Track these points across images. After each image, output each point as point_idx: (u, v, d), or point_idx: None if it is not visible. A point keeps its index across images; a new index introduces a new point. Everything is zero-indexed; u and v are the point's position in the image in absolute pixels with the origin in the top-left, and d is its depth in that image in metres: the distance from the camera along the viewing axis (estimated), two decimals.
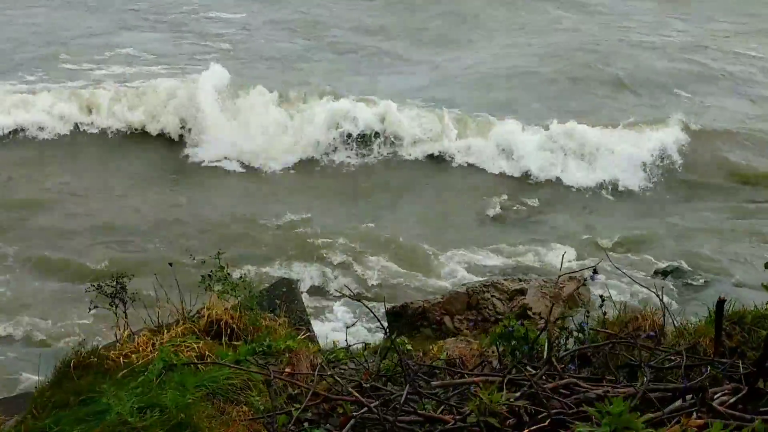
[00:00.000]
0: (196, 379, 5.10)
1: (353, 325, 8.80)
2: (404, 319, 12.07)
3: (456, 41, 25.64)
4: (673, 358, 4.59)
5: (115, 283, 6.90)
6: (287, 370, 5.35)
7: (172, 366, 5.17)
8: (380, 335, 10.61)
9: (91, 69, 22.35)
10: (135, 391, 4.92)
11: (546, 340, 5.04)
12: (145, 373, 5.19)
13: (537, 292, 12.20)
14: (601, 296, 5.66)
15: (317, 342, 7.25)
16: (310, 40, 25.47)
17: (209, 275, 6.67)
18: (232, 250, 13.28)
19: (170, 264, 7.05)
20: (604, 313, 6.11)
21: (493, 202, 16.92)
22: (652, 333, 5.02)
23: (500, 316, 12.29)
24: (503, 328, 5.34)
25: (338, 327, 11.39)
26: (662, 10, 29.84)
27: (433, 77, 22.82)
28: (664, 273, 14.22)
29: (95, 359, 6.15)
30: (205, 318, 6.67)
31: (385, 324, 7.82)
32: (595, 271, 5.65)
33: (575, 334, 5.28)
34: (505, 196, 17.14)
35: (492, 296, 11.92)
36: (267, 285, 8.28)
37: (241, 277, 6.97)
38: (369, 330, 12.04)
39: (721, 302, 4.49)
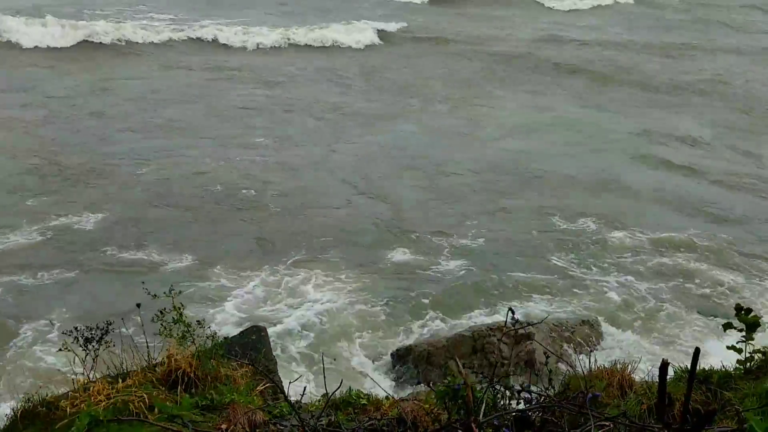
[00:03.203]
0: None
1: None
2: (409, 362, 11.80)
3: None
4: (605, 424, 4.25)
5: (95, 329, 6.80)
6: (222, 426, 5.14)
7: (98, 421, 5.00)
8: (372, 384, 10.36)
9: None
10: None
11: (483, 402, 4.75)
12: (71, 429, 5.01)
13: (546, 337, 11.81)
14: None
15: (283, 392, 7.03)
16: None
17: (161, 312, 6.52)
18: None
19: (138, 305, 6.86)
20: (572, 374, 5.79)
21: None
22: (597, 393, 4.69)
23: (506, 361, 11.95)
24: (446, 387, 5.08)
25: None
26: None
27: None
28: None
29: (44, 409, 6.04)
30: (164, 366, 6.52)
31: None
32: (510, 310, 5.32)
33: (521, 394, 4.98)
34: None
35: (498, 340, 11.55)
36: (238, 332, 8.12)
37: (199, 322, 6.78)
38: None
39: (663, 366, 4.16)
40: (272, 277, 13.91)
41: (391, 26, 36.82)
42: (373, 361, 11.96)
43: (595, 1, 50.35)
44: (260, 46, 32.73)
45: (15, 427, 5.95)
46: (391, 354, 11.95)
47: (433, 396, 5.58)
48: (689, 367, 4.91)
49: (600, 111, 26.29)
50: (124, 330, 7.20)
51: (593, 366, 6.26)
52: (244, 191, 17.47)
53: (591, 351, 11.56)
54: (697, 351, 3.93)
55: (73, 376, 6.68)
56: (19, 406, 6.10)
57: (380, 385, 8.12)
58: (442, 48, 34.48)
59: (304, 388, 5.44)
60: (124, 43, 31.06)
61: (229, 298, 13.08)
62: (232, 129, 21.97)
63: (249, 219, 16.17)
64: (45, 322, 12.02)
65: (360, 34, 35.04)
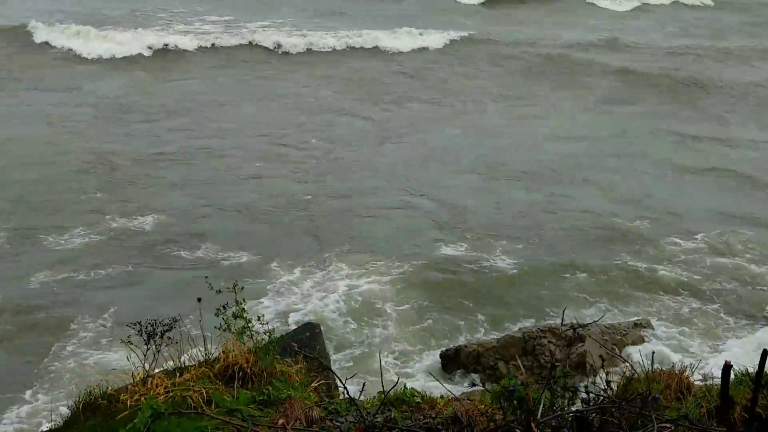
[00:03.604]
0: (183, 429, 5.00)
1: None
2: (458, 363, 11.77)
3: None
4: (666, 426, 4.20)
5: (155, 323, 6.92)
6: (280, 422, 5.19)
7: (160, 414, 5.09)
8: (425, 382, 10.37)
9: None
10: None
11: (541, 402, 4.72)
12: (134, 422, 5.12)
13: (598, 339, 11.67)
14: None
15: (337, 389, 7.08)
16: None
17: (223, 308, 6.62)
18: None
19: (199, 299, 6.98)
20: (630, 376, 5.75)
21: None
22: (656, 395, 4.63)
23: (557, 363, 11.84)
24: (502, 388, 5.06)
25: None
26: None
27: None
28: None
29: (105, 402, 6.17)
30: (221, 361, 6.61)
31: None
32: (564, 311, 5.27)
33: (581, 395, 4.94)
34: None
35: (549, 342, 11.46)
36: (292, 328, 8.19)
37: (259, 317, 6.86)
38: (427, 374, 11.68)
39: (727, 368, 4.10)
40: (325, 274, 14.01)
41: (441, 31, 36.64)
42: (421, 361, 11.96)
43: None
44: (311, 49, 32.86)
45: (77, 419, 6.09)
46: (440, 354, 11.92)
47: (488, 396, 5.57)
48: (752, 370, 4.83)
49: (653, 117, 25.95)
50: (182, 326, 7.28)
51: (649, 368, 6.19)
52: (297, 190, 17.64)
53: (644, 353, 11.40)
54: (764, 353, 3.86)
55: (132, 369, 6.82)
56: (80, 398, 6.24)
57: (443, 384, 8.09)
58: (494, 49, 34.31)
59: (363, 384, 5.46)
60: (175, 48, 31.46)
61: (283, 295, 13.20)
62: (283, 129, 22.17)
63: (303, 217, 16.32)
64: (104, 317, 12.28)
65: (410, 38, 34.99)
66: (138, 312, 11.67)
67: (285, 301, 12.97)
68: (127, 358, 7.10)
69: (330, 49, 32.88)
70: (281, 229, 15.72)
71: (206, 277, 9.53)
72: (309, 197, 17.32)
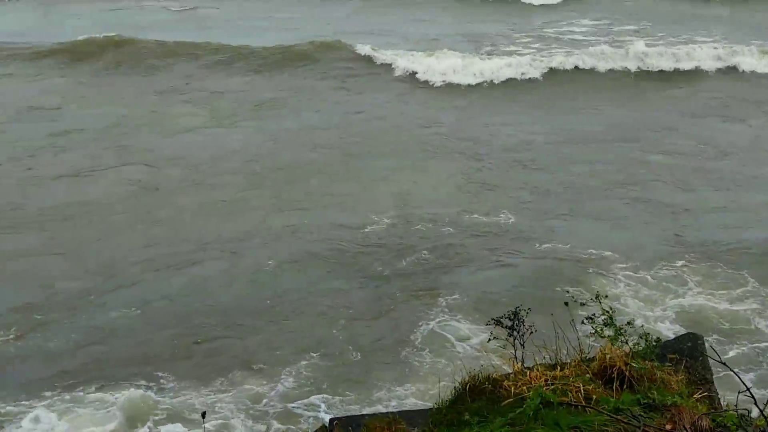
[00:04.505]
0: (570, 420, 5.13)
1: None
2: None
3: None
4: None
5: (512, 316, 7.23)
6: (667, 426, 5.10)
7: (548, 403, 5.26)
8: None
9: None
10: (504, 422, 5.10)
11: None
12: (523, 407, 5.35)
13: None
14: None
15: (719, 405, 6.74)
16: None
17: (591, 318, 6.68)
18: None
19: (566, 303, 7.17)
20: None
21: None
22: None
23: None
24: None
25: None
26: None
27: None
28: None
29: (489, 386, 6.52)
30: (598, 362, 6.64)
31: None
32: None
33: None
34: None
35: None
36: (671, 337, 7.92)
37: (629, 323, 6.81)
38: None
39: None
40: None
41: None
42: None
43: None
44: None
45: (464, 399, 6.51)
46: None
47: None
48: None
49: None
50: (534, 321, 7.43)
51: None
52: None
53: None
54: None
55: (504, 360, 7.14)
56: (466, 380, 6.64)
57: None
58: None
59: (755, 401, 5.14)
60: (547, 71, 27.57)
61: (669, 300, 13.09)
62: None
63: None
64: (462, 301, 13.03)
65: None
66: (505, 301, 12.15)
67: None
68: (500, 348, 7.48)
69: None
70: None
71: (567, 291, 9.97)
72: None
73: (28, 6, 41.15)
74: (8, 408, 10.68)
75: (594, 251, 14.67)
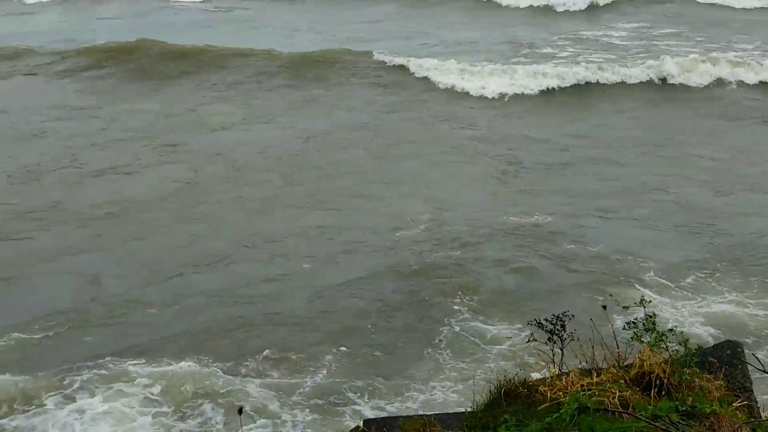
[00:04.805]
0: (607, 426, 5.14)
1: None
2: None
3: None
4: None
5: (555, 320, 7.23)
6: None
7: (585, 409, 5.28)
8: None
9: None
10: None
11: None
12: (559, 412, 5.36)
13: None
14: None
15: (758, 414, 6.68)
16: None
17: (633, 323, 6.66)
18: None
19: (604, 307, 7.17)
20: None
21: None
22: None
23: None
24: None
25: None
26: None
27: None
28: None
29: (525, 390, 6.54)
30: (636, 368, 6.63)
31: None
32: None
33: None
34: None
35: None
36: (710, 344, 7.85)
37: (671, 329, 6.77)
38: None
39: None
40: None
41: None
42: None
43: None
44: None
45: (498, 402, 6.53)
46: None
47: None
48: None
49: None
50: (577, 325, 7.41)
51: None
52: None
53: None
54: None
55: (543, 364, 7.13)
56: (501, 384, 6.66)
57: None
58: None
59: None
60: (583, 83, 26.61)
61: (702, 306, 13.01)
62: None
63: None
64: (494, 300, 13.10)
65: None
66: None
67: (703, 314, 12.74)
68: (539, 353, 7.48)
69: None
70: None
71: (610, 294, 9.92)
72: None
73: (62, 7, 42.03)
74: (49, 396, 11.02)
75: (629, 256, 14.60)
